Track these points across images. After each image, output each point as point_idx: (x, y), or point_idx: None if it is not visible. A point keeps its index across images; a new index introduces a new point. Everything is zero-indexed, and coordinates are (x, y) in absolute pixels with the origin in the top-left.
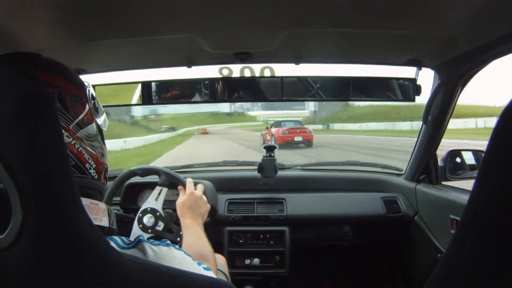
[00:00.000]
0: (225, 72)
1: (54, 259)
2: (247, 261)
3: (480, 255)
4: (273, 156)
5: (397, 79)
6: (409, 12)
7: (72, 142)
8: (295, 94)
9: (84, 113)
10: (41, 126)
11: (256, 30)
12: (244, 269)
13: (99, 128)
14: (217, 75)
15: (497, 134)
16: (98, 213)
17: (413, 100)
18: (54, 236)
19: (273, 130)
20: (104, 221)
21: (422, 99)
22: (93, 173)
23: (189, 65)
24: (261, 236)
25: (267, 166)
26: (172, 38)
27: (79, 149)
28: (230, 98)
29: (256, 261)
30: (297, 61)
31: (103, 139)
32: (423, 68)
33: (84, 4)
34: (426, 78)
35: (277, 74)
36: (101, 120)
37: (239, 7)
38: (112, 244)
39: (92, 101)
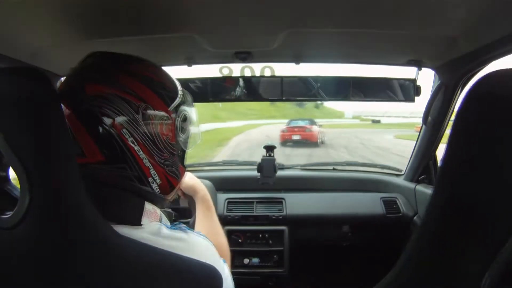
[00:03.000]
0: (225, 71)
1: (56, 237)
2: (246, 261)
3: (429, 256)
4: (273, 156)
5: (397, 79)
6: (410, 12)
7: (141, 156)
8: (295, 94)
9: (166, 133)
10: (46, 121)
11: (257, 29)
12: (242, 269)
13: (180, 147)
14: (217, 74)
15: (452, 137)
16: (155, 218)
17: (413, 100)
18: (57, 217)
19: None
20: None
21: None
22: (155, 187)
23: (189, 64)
24: (260, 235)
25: (267, 165)
26: (172, 36)
27: (146, 164)
28: (230, 97)
29: (255, 260)
30: (297, 61)
31: (182, 159)
32: (423, 69)
33: (84, 2)
34: (427, 79)
35: (277, 73)
36: (183, 138)
37: (240, 6)
38: (164, 226)
39: (181, 121)
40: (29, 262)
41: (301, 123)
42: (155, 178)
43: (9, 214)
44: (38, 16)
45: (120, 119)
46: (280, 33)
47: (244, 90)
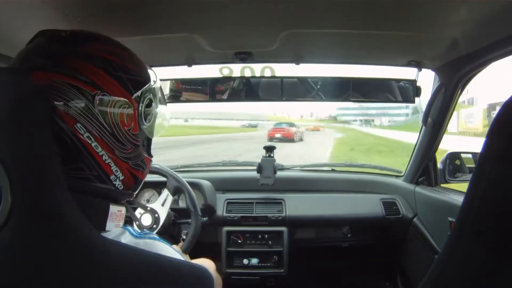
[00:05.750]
0: (226, 72)
1: (40, 241)
2: (245, 261)
3: (474, 254)
4: (273, 157)
5: (397, 80)
6: (410, 13)
7: (100, 153)
8: (295, 95)
9: (127, 123)
10: (29, 123)
11: (257, 30)
12: (242, 269)
13: (145, 136)
14: (217, 74)
15: (492, 132)
16: (120, 219)
17: (413, 101)
18: (40, 220)
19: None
20: (121, 224)
21: None
22: (118, 184)
23: (189, 64)
24: (260, 236)
25: (266, 166)
26: (172, 36)
27: (106, 161)
28: (229, 98)
29: (254, 261)
30: (297, 62)
31: (148, 149)
32: (423, 70)
33: (84, 2)
34: (427, 79)
35: (277, 74)
36: (148, 126)
37: (240, 7)
38: (127, 232)
39: (145, 108)
40: (14, 265)
41: (285, 125)
42: (117, 175)
43: None
44: (37, 16)
45: (72, 111)
46: (280, 33)
47: (244, 91)
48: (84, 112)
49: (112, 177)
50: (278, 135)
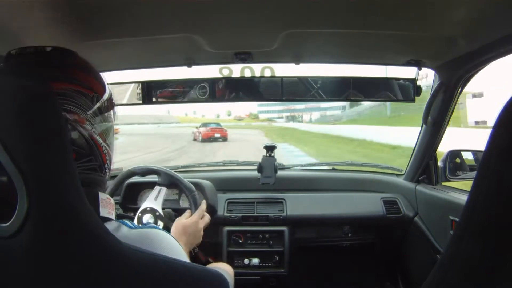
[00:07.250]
0: (226, 72)
1: (57, 246)
2: (246, 261)
3: (477, 254)
4: (273, 156)
5: (397, 79)
6: (410, 13)
7: (101, 145)
8: (295, 94)
9: (111, 120)
10: (45, 123)
11: (257, 30)
12: (243, 269)
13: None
14: (217, 75)
15: (496, 128)
16: (111, 207)
17: (413, 100)
18: (57, 225)
19: (201, 129)
20: (113, 215)
21: None
22: (107, 173)
23: (189, 64)
24: (261, 236)
25: (267, 166)
26: (172, 37)
27: (105, 152)
28: (230, 98)
29: (255, 261)
30: (297, 61)
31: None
32: (423, 69)
33: (84, 3)
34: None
35: (277, 74)
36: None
37: (240, 7)
38: (123, 225)
39: (114, 108)
40: (30, 269)
41: (215, 125)
42: (108, 163)
43: (7, 223)
44: (37, 17)
45: (82, 113)
46: (280, 33)
47: (244, 91)
48: (90, 113)
49: (106, 165)
50: (217, 135)
